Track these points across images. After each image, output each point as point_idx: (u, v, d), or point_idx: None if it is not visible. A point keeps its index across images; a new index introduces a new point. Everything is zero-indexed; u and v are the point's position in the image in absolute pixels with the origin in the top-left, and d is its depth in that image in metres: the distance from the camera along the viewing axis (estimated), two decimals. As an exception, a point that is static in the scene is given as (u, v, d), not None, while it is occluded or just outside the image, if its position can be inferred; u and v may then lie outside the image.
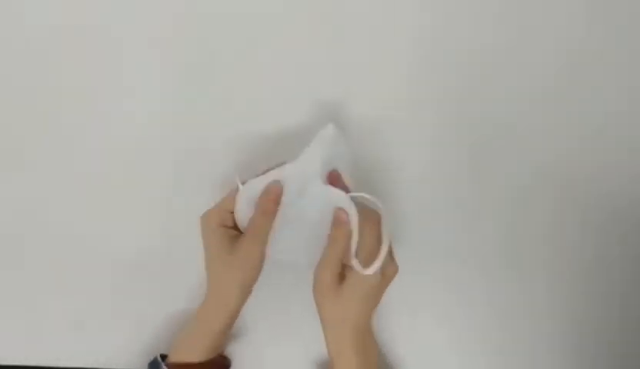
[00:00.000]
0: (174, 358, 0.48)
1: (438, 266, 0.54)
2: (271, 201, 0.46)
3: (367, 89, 0.56)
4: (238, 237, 0.47)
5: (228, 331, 0.50)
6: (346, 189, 0.47)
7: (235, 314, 0.49)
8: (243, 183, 0.47)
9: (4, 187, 0.56)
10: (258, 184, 0.47)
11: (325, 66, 0.56)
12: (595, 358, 0.54)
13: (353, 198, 0.46)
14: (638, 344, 0.53)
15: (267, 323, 0.55)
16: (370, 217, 0.45)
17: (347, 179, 0.48)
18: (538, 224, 0.55)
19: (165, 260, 0.55)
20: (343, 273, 0.46)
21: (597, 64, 0.56)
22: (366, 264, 0.44)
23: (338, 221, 0.45)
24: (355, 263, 0.45)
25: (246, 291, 0.48)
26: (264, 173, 0.47)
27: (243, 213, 0.47)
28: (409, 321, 0.54)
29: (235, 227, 0.49)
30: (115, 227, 0.56)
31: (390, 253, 0.46)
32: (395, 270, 0.47)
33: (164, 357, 0.49)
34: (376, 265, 0.44)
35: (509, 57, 0.56)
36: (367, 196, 0.45)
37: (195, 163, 0.56)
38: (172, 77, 0.57)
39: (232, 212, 0.48)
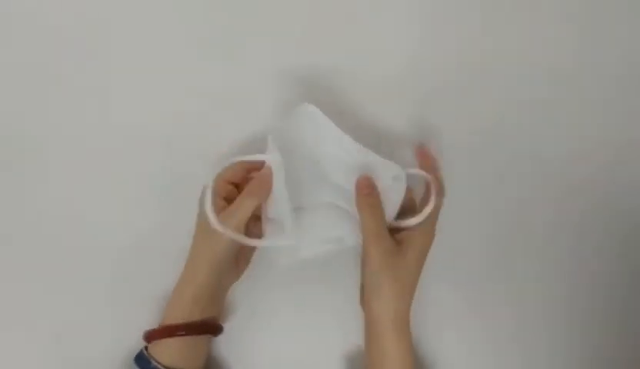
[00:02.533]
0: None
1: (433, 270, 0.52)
2: (263, 187, 0.46)
3: (362, 91, 0.56)
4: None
5: (206, 302, 0.48)
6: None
7: (203, 287, 0.47)
8: None
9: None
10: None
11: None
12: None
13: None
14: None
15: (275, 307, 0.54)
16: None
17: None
18: (536, 226, 0.55)
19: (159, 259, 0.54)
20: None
21: (598, 68, 0.57)
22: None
23: (365, 186, 0.45)
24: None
25: (214, 266, 0.46)
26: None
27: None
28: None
29: (228, 198, 0.48)
30: (107, 223, 0.55)
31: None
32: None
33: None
34: (427, 210, 0.44)
35: (511, 59, 0.57)
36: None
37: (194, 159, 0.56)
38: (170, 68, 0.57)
39: (229, 182, 0.48)
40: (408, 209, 0.47)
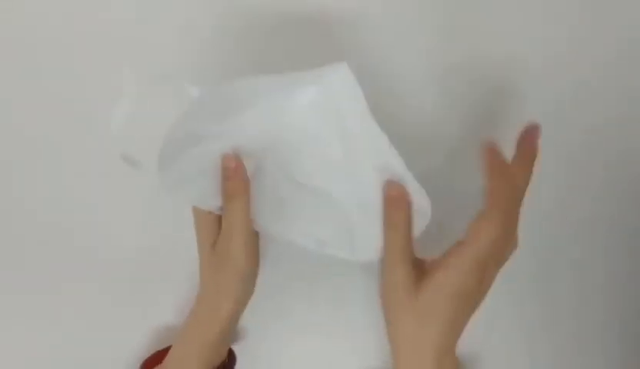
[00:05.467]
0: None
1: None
2: (237, 181, 0.36)
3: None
4: None
5: (227, 337, 0.42)
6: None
7: (231, 319, 0.40)
8: None
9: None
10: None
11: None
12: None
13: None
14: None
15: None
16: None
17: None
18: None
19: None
20: (420, 269, 0.36)
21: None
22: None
23: (394, 198, 0.34)
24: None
25: (245, 291, 0.40)
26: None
27: None
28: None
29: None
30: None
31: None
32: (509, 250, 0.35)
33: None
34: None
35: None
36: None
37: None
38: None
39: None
40: None
